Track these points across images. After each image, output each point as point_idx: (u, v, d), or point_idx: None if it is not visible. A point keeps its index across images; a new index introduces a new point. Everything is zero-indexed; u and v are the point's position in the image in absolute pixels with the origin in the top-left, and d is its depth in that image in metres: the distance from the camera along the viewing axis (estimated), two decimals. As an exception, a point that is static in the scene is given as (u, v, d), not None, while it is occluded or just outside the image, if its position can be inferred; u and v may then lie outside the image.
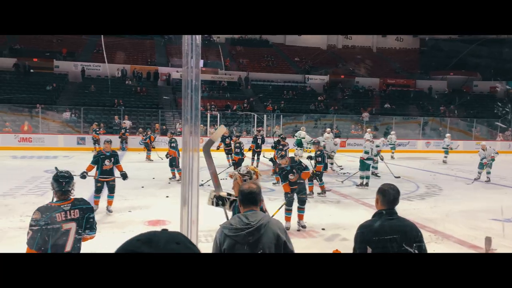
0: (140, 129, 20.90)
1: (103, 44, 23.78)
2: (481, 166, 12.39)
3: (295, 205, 7.13)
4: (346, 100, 28.88)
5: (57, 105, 22.60)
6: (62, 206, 3.13)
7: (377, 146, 13.12)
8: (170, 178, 11.24)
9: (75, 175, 3.69)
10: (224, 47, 32.77)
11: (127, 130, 19.89)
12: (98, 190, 7.60)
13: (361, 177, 11.18)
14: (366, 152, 11.30)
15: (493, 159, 12.42)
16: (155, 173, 12.20)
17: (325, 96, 29.17)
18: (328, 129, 18.04)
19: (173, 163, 11.17)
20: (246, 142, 15.32)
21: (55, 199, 3.25)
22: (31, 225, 2.99)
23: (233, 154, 12.42)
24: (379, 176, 12.48)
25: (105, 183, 7.59)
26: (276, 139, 13.56)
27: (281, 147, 12.08)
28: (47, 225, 2.99)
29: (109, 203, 7.66)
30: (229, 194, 3.39)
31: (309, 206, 8.60)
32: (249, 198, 2.47)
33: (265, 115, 22.60)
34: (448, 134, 18.51)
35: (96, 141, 17.70)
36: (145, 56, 31.27)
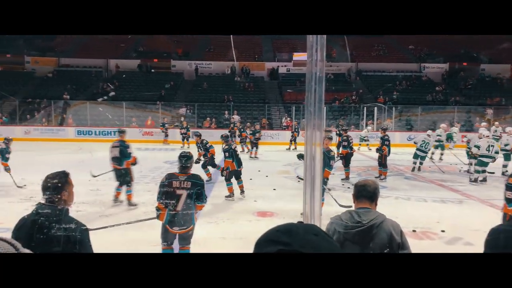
0: (248, 123, 21.41)
1: (233, 43, 24.91)
2: None
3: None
4: (469, 90, 25.78)
5: (174, 102, 24.41)
6: (179, 177, 4.17)
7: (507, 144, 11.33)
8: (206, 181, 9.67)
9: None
10: (330, 38, 31.84)
11: (236, 125, 20.51)
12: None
13: (477, 172, 10.10)
14: (477, 147, 10.14)
15: None
16: (261, 166, 12.24)
17: (444, 86, 26.46)
18: (444, 125, 15.94)
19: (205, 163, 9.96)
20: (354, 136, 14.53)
21: (178, 171, 4.27)
22: (159, 185, 4.19)
23: (341, 147, 11.82)
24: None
25: None
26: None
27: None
28: (167, 187, 4.09)
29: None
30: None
31: (427, 205, 7.89)
32: (361, 191, 2.43)
33: (375, 108, 21.31)
34: None
35: (184, 137, 18.58)
36: (253, 52, 31.99)
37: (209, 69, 29.26)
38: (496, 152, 10.10)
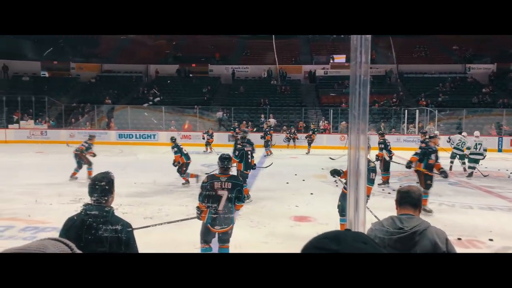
0: (284, 126, 21.37)
1: (275, 46, 25.04)
2: None
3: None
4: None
5: (211, 106, 24.73)
6: (220, 178, 4.32)
7: None
8: (183, 184, 9.79)
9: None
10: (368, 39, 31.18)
11: (272, 128, 20.49)
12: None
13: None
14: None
15: None
16: (298, 170, 12.12)
17: (491, 88, 25.21)
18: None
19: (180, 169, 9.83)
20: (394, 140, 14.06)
21: (218, 172, 4.43)
22: (201, 186, 4.37)
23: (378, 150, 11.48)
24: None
25: None
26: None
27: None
28: (208, 188, 4.23)
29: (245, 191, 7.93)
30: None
31: (473, 212, 7.51)
32: (405, 197, 2.36)
33: (417, 110, 20.62)
34: None
35: (208, 143, 18.39)
36: (291, 55, 31.87)
37: (245, 73, 29.46)
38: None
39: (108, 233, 2.25)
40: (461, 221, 6.81)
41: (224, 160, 4.44)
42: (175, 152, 9.64)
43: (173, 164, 9.62)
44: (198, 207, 4.35)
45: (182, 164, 9.62)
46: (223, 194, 4.26)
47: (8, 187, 8.79)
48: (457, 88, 25.46)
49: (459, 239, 5.80)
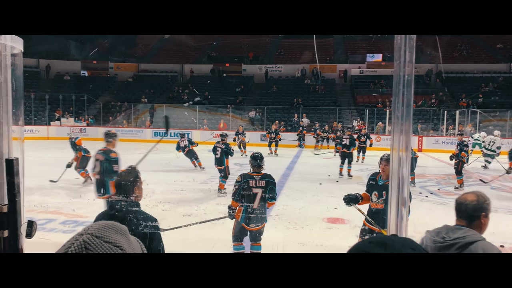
0: (317, 123, 21.08)
1: (315, 44, 24.85)
2: None
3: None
4: None
5: (244, 105, 24.81)
6: (254, 176, 4.37)
7: None
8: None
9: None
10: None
11: (305, 128, 20.28)
12: None
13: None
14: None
15: None
16: (331, 171, 11.90)
17: (538, 88, 23.87)
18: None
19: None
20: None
21: (251, 170, 4.48)
22: (235, 184, 4.37)
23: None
24: None
25: None
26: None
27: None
28: (243, 186, 4.27)
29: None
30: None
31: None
32: (457, 208, 2.19)
33: (457, 111, 19.80)
34: None
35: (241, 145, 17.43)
36: (325, 54, 31.49)
37: (279, 72, 29.35)
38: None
39: (134, 227, 2.25)
40: (504, 227, 6.44)
41: (257, 159, 4.48)
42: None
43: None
44: (230, 206, 4.37)
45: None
46: (257, 192, 4.30)
47: (50, 182, 9.12)
48: (501, 88, 24.24)
49: (502, 246, 5.48)
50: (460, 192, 9.25)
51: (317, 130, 19.32)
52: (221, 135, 9.46)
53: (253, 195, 4.29)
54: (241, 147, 16.47)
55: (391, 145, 2.09)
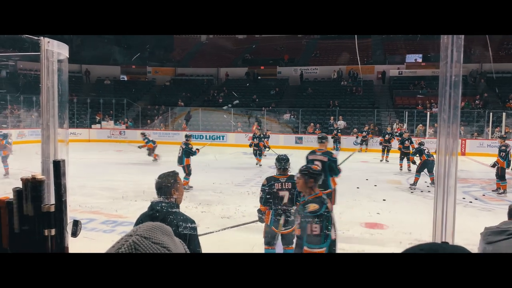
0: (355, 129, 20.71)
1: (357, 45, 24.32)
2: None
3: None
4: None
5: (278, 108, 24.74)
6: (280, 179, 4.34)
7: None
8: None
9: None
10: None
11: (340, 131, 19.94)
12: None
13: None
14: None
15: None
16: (368, 175, 11.62)
17: None
18: None
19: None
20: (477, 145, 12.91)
21: (277, 173, 4.46)
22: (261, 188, 4.38)
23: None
24: None
25: None
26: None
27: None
28: (269, 190, 4.26)
29: None
30: None
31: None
32: (509, 213, 2.31)
33: (504, 113, 18.84)
34: None
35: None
36: (362, 55, 30.90)
37: (314, 74, 29.06)
38: None
39: (174, 229, 2.27)
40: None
41: (282, 161, 4.46)
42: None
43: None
44: (259, 210, 4.39)
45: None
46: (284, 195, 4.27)
47: (92, 183, 9.46)
48: (552, 89, 22.86)
49: None
50: (504, 198, 8.80)
51: (386, 136, 16.19)
52: (185, 135, 10.02)
53: (280, 198, 4.28)
54: (257, 154, 14.03)
55: (437, 149, 2.07)
